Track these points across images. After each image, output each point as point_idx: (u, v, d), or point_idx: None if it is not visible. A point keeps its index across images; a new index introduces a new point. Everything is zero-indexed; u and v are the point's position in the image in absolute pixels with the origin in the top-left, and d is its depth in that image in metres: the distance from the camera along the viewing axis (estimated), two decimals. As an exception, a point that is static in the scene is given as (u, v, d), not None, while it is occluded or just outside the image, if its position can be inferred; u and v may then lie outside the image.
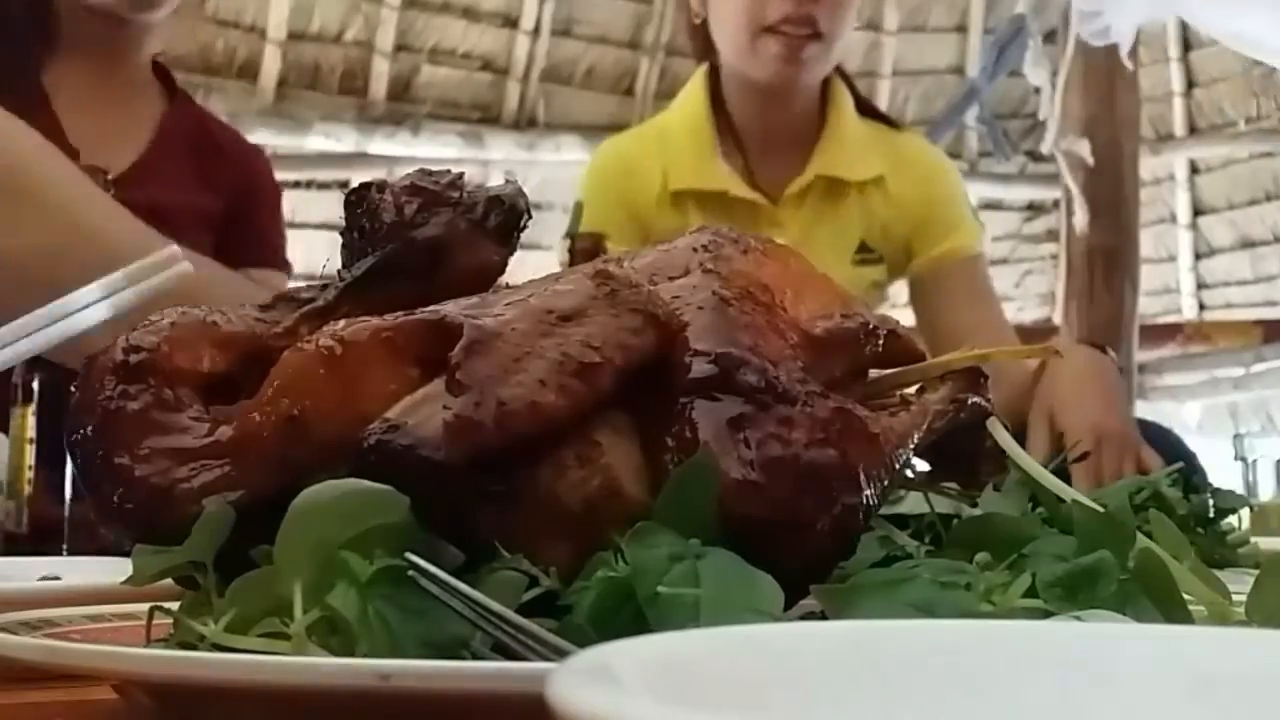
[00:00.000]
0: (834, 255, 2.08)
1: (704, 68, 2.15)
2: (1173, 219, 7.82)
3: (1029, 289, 8.10)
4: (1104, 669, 0.41)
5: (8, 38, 1.81)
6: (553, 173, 7.09)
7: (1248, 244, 7.66)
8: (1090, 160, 5.04)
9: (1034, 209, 8.03)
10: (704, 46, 2.17)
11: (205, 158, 2.04)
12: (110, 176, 1.83)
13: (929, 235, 2.17)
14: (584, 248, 1.62)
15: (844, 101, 2.18)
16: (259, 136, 6.70)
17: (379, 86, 6.86)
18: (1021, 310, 7.97)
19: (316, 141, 6.76)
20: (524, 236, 0.77)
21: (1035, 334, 7.05)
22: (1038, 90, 5.18)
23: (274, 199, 2.18)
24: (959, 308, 2.10)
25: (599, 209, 2.02)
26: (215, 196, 2.02)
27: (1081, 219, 5.12)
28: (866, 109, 2.24)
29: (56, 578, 0.91)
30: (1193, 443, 2.28)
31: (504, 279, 0.75)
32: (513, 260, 0.76)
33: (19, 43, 1.83)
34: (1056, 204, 6.30)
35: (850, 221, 2.13)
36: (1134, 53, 5.14)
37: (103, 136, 1.88)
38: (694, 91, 2.14)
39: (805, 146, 2.12)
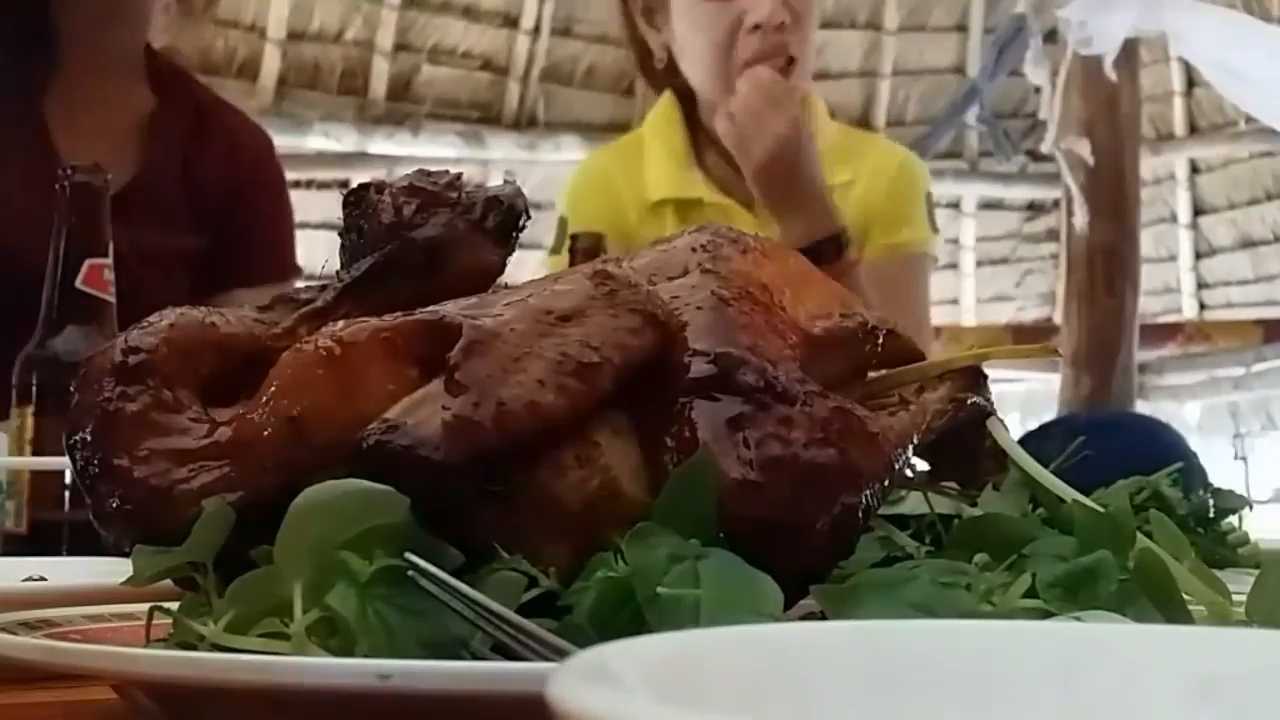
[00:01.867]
0: None
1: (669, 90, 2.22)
2: (1173, 218, 7.82)
3: (1029, 288, 8.10)
4: (1104, 669, 0.41)
5: (4, 49, 1.81)
6: (553, 172, 7.09)
7: (1248, 243, 7.66)
8: (1091, 160, 5.05)
9: (1034, 209, 8.03)
10: (665, 80, 2.21)
11: (197, 156, 1.99)
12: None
13: (880, 226, 2.22)
14: (585, 247, 1.63)
15: (816, 110, 2.24)
16: (259, 136, 6.70)
17: (379, 86, 6.87)
18: (1022, 310, 7.98)
19: (316, 141, 6.77)
20: (523, 236, 0.77)
21: (1035, 333, 7.05)
22: (1038, 90, 5.19)
23: (277, 191, 2.14)
24: (888, 303, 2.14)
25: (582, 223, 2.08)
26: (200, 225, 1.96)
27: (1082, 219, 5.12)
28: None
29: (42, 578, 0.91)
30: (1193, 443, 2.29)
31: (503, 279, 0.75)
32: (512, 260, 0.77)
33: (14, 56, 1.84)
34: (1057, 204, 6.30)
35: None
36: (1133, 53, 5.15)
37: (91, 151, 1.84)
38: (664, 108, 2.20)
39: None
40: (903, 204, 2.25)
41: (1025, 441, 1.57)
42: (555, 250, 2.14)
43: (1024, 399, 7.25)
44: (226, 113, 2.15)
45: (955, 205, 7.70)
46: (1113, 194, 5.20)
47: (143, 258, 1.84)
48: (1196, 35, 4.84)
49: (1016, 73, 5.54)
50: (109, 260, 1.32)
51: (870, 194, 2.22)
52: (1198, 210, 7.80)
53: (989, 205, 7.87)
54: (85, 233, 1.32)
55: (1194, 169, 7.76)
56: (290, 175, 6.98)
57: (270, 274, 2.02)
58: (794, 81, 2.07)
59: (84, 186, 1.32)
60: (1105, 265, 5.22)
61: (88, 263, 1.30)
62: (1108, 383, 5.23)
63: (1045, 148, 5.13)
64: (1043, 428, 2.10)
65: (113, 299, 1.32)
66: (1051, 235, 7.75)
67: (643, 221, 2.13)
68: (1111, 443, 1.68)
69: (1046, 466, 0.84)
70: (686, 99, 2.19)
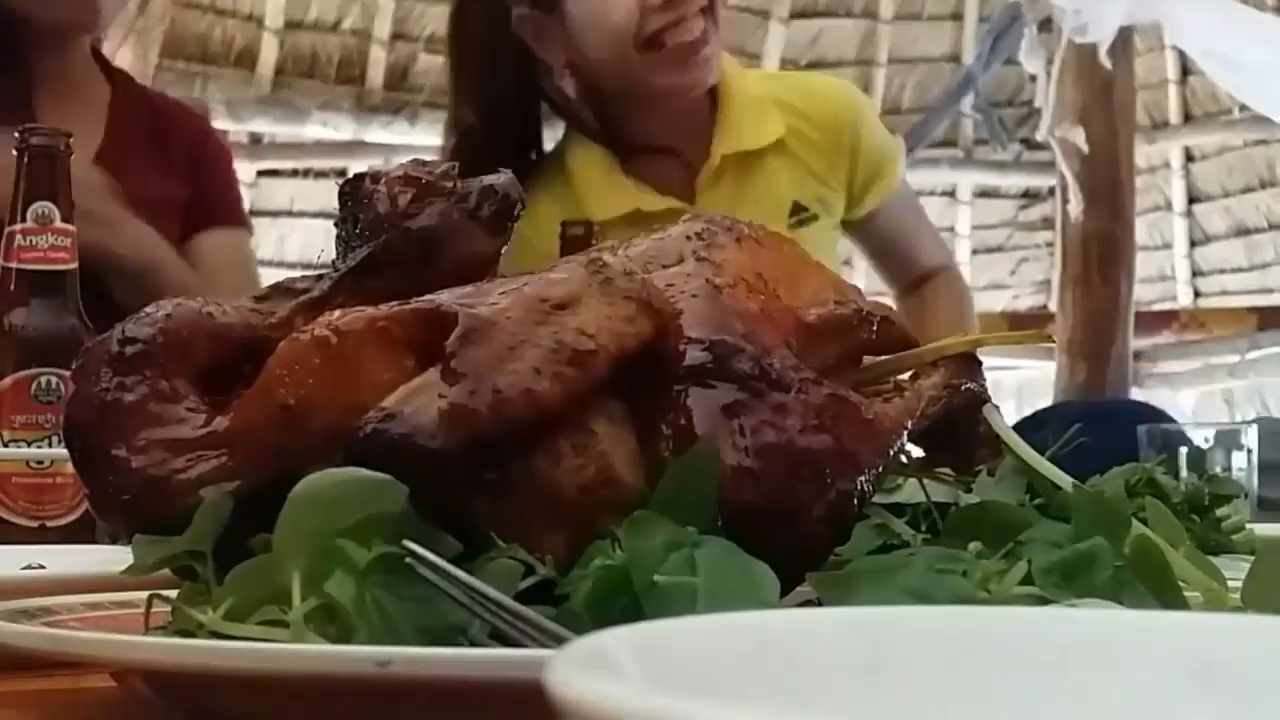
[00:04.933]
0: (776, 219, 2.02)
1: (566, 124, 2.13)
2: (1168, 206, 7.81)
3: (1024, 276, 8.10)
4: (1100, 656, 0.42)
5: None
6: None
7: (1243, 231, 7.66)
8: (1085, 148, 5.05)
9: (1029, 196, 8.03)
10: (568, 105, 2.10)
11: (157, 138, 2.09)
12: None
13: (863, 178, 2.15)
14: (574, 235, 1.60)
15: (732, 74, 2.12)
16: (256, 125, 6.70)
17: (376, 75, 6.86)
18: (1017, 298, 7.97)
19: (314, 130, 6.76)
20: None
21: (1031, 321, 7.05)
22: (1033, 78, 5.19)
23: (225, 162, 2.24)
24: (909, 236, 2.24)
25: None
26: (176, 180, 2.07)
27: (1076, 207, 5.12)
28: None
29: (41, 566, 0.91)
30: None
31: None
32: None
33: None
34: (1052, 191, 6.29)
35: (774, 186, 2.09)
36: (1128, 42, 5.14)
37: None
38: (573, 137, 2.10)
39: (707, 132, 2.07)
40: (870, 140, 2.16)
41: (1020, 429, 1.57)
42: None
43: (1019, 386, 7.25)
44: (171, 101, 2.29)
45: (950, 193, 7.70)
46: (1108, 182, 5.21)
47: (134, 209, 1.95)
48: (1191, 23, 4.84)
49: (1012, 61, 5.54)
50: (70, 227, 1.27)
51: (827, 138, 2.11)
52: (1192, 198, 7.79)
53: (984, 193, 7.86)
54: (44, 198, 1.26)
55: (1189, 157, 7.75)
56: (288, 164, 6.94)
57: (226, 220, 2.16)
58: (711, 55, 1.97)
59: (43, 149, 1.28)
60: (1100, 253, 5.22)
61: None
62: (1103, 370, 5.23)
63: (1040, 136, 5.14)
64: (1038, 415, 2.10)
65: (73, 267, 1.27)
66: (1047, 223, 7.75)
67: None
68: (1107, 430, 1.69)
69: (1042, 454, 0.84)
70: (599, 109, 2.08)
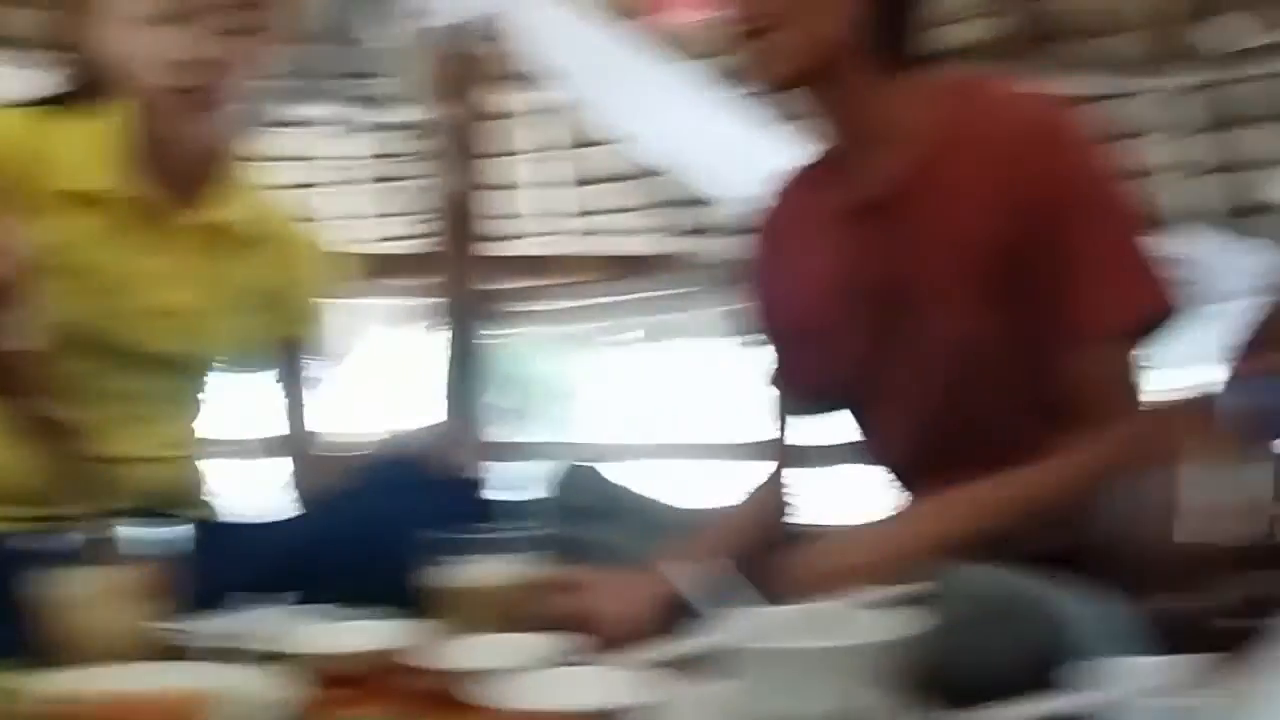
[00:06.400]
0: (214, 293, 2.07)
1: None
2: (514, 154, 7.92)
3: (386, 207, 8.06)
4: None
5: None
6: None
7: (619, 177, 7.85)
8: (437, 114, 5.20)
9: (389, 128, 8.00)
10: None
11: None
12: None
13: (284, 316, 2.22)
14: None
15: (243, 163, 2.14)
16: None
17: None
18: (383, 220, 7.81)
19: None
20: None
21: (403, 263, 7.11)
22: (381, 51, 5.29)
23: None
24: None
25: None
26: None
27: (435, 168, 5.29)
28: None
29: None
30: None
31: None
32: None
33: None
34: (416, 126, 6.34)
35: (246, 269, 2.12)
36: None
37: None
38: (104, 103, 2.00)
39: (200, 185, 2.06)
40: (304, 296, 2.25)
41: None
42: None
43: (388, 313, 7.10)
44: None
45: (307, 123, 7.37)
46: (461, 144, 5.38)
47: None
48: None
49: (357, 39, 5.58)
50: None
51: (280, 268, 2.18)
52: (543, 145, 8.00)
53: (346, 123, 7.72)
54: None
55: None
56: None
57: None
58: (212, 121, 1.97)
59: None
60: (457, 209, 5.40)
61: None
62: (466, 324, 5.44)
63: (392, 107, 5.22)
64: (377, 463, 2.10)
65: None
66: (413, 155, 7.69)
67: (35, 206, 1.88)
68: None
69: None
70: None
